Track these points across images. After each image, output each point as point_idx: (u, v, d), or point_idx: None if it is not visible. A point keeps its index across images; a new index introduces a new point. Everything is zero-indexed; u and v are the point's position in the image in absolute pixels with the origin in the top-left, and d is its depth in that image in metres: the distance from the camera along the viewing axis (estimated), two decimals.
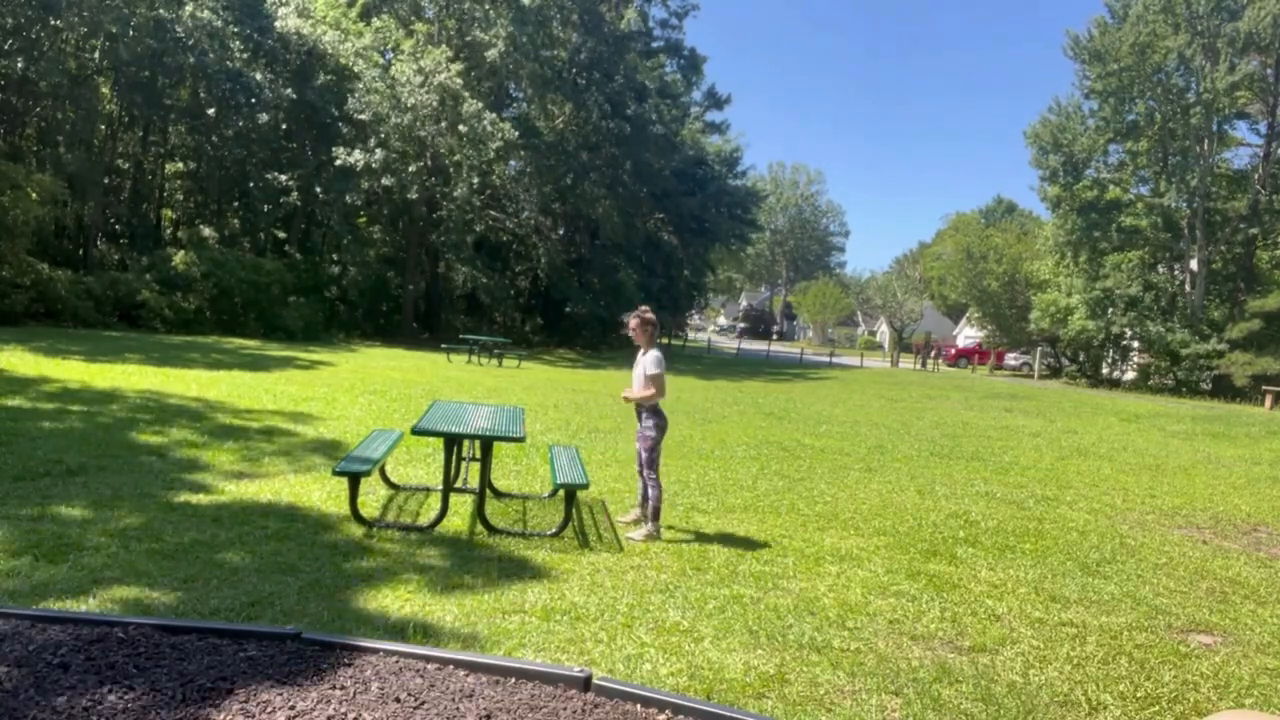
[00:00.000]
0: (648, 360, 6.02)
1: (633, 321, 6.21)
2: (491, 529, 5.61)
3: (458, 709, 2.54)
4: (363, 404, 11.47)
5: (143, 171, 28.60)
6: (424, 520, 5.75)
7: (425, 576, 4.61)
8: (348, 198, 27.00)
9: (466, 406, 7.05)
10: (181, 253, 24.16)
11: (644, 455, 5.92)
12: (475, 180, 27.31)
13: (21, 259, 20.29)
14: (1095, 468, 11.03)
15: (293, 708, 2.48)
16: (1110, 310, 30.35)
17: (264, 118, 26.49)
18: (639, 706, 2.60)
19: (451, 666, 2.90)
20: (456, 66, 26.69)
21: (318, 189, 27.95)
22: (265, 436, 8.40)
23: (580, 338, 33.42)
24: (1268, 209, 28.41)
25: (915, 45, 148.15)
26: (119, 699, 2.50)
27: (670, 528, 6.10)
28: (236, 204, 29.30)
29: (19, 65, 22.26)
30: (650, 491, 5.86)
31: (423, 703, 2.58)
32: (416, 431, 5.56)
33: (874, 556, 5.77)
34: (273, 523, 5.37)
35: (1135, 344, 31.37)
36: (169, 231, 28.62)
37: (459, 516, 5.91)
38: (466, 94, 26.48)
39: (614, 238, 32.11)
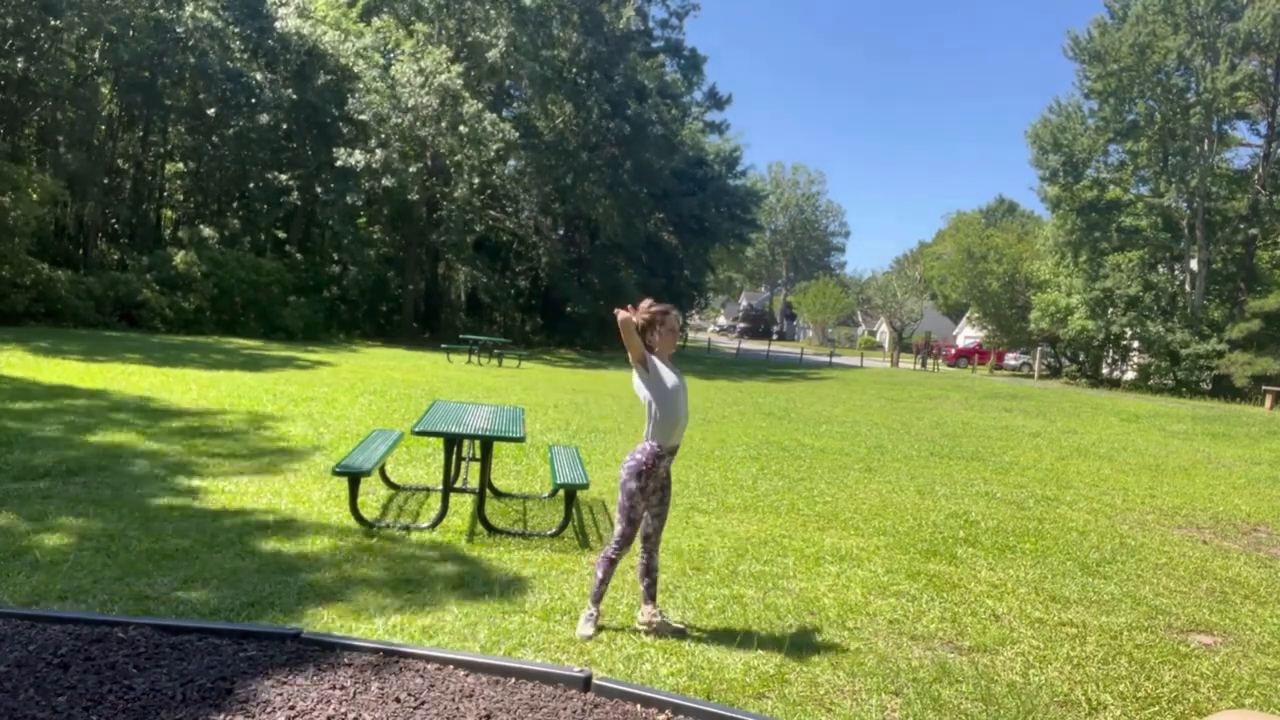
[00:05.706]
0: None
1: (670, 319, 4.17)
2: (491, 529, 5.61)
3: (458, 709, 2.54)
4: (363, 404, 11.47)
5: (143, 171, 28.59)
6: (424, 520, 5.75)
7: (425, 577, 4.61)
8: (348, 198, 27.02)
9: (466, 406, 7.05)
10: (182, 253, 24.16)
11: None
12: (475, 180, 27.32)
13: (21, 259, 20.29)
14: (1095, 468, 11.03)
15: (293, 708, 2.48)
16: (1110, 310, 30.34)
17: (264, 118, 26.49)
18: (639, 706, 2.60)
19: (451, 666, 2.90)
20: (457, 67, 26.70)
21: (318, 189, 27.96)
22: (265, 437, 8.40)
23: (580, 338, 33.43)
24: (1268, 209, 28.39)
25: (916, 45, 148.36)
26: (119, 699, 2.49)
27: (669, 528, 6.09)
28: (236, 204, 29.31)
29: (19, 65, 22.26)
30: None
31: (423, 703, 2.58)
32: (417, 431, 5.56)
33: (874, 556, 5.77)
34: (272, 523, 5.38)
35: (1135, 344, 31.35)
36: (169, 231, 28.61)
37: (459, 517, 5.91)
38: (466, 94, 26.49)
39: (614, 238, 32.11)
